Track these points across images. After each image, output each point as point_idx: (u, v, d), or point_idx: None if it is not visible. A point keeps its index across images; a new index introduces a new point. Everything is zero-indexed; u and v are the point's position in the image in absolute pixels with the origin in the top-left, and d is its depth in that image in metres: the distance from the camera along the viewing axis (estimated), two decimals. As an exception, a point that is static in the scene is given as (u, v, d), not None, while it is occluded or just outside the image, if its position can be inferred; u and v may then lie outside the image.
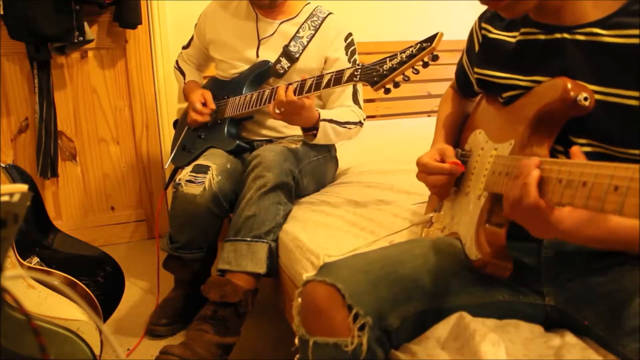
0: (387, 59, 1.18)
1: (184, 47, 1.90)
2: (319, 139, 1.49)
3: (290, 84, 1.38)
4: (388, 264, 0.81)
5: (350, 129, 1.56)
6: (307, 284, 0.80)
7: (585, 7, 0.76)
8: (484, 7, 0.86)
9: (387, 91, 1.20)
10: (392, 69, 1.17)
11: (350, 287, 0.75)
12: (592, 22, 0.76)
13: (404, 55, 1.15)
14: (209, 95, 1.71)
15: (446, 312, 0.80)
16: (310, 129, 1.49)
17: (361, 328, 0.73)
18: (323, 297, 0.76)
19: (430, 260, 0.83)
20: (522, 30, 0.86)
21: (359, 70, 1.25)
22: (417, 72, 1.15)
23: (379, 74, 1.19)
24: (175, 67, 1.92)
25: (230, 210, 1.54)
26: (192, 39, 1.86)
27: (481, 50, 0.96)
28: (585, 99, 0.72)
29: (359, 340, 0.73)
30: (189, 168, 1.51)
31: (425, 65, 1.13)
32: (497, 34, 0.92)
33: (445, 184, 0.92)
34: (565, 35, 0.78)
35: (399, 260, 0.82)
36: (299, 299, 0.82)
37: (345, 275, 0.77)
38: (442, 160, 0.93)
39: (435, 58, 1.12)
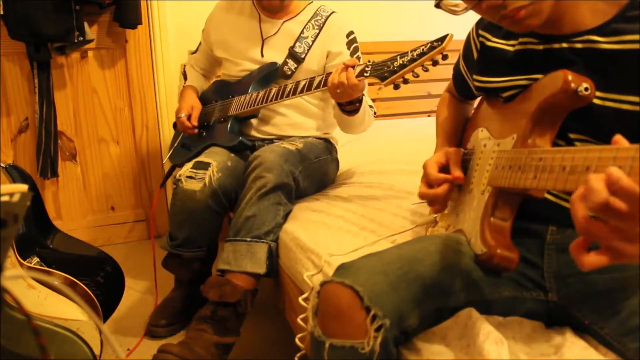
0: (398, 57, 1.20)
1: (192, 53, 1.92)
2: (359, 116, 1.44)
3: (352, 67, 1.29)
4: (406, 263, 0.80)
5: (372, 113, 1.56)
6: (325, 285, 0.80)
7: (583, 15, 0.77)
8: None
9: (397, 87, 1.22)
10: (403, 66, 1.18)
11: (370, 289, 0.75)
12: (589, 30, 0.76)
13: (414, 54, 1.17)
14: (196, 112, 1.72)
15: (459, 309, 0.80)
16: (348, 104, 1.41)
17: (378, 329, 0.73)
18: (342, 300, 0.76)
19: (445, 257, 0.83)
20: (521, 39, 0.86)
21: (370, 66, 1.25)
22: (427, 70, 1.18)
23: (390, 70, 1.20)
24: (181, 71, 1.94)
25: (230, 208, 1.54)
26: (199, 44, 1.88)
27: (480, 58, 0.96)
28: (586, 89, 0.72)
29: (374, 342, 0.73)
30: (189, 164, 1.51)
31: (435, 63, 1.16)
32: (495, 42, 0.92)
33: (441, 200, 0.92)
34: (564, 45, 0.79)
35: (416, 259, 0.82)
36: (316, 300, 0.81)
37: (364, 277, 0.77)
38: (447, 164, 0.93)
39: (445, 57, 1.14)
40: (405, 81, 1.20)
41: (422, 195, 0.94)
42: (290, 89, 1.47)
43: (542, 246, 0.83)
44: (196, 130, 1.69)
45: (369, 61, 1.28)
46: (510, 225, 0.80)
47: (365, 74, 1.25)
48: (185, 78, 1.89)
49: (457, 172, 0.90)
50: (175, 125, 1.94)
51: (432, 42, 1.15)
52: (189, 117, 1.69)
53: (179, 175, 1.49)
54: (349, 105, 1.40)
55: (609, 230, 0.53)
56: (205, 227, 1.53)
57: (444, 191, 0.90)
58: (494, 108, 0.93)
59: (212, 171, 1.47)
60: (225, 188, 1.49)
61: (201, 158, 1.53)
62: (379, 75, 1.22)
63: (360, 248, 1.13)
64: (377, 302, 0.74)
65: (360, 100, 1.40)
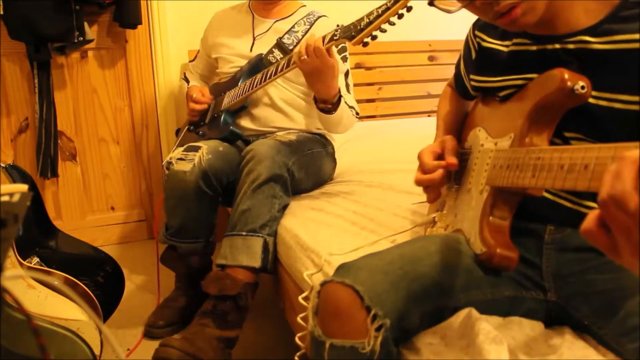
0: (365, 16, 1.25)
1: (191, 61, 1.99)
2: (335, 116, 1.47)
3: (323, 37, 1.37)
4: (407, 262, 0.80)
5: (353, 114, 1.58)
6: (325, 285, 0.80)
7: (577, 16, 0.78)
8: None
9: (365, 44, 1.28)
10: (369, 23, 1.23)
11: (370, 289, 0.75)
12: (581, 31, 0.77)
13: (379, 10, 1.22)
14: (206, 90, 1.81)
15: (459, 309, 0.80)
16: (327, 102, 1.46)
17: (378, 329, 0.73)
18: (343, 299, 0.76)
19: (445, 257, 0.83)
20: (515, 40, 0.87)
21: (339, 30, 1.31)
22: (393, 24, 1.22)
23: (357, 30, 1.26)
24: (182, 78, 2.00)
25: (225, 200, 1.55)
26: (198, 51, 1.95)
27: (477, 58, 0.97)
28: (583, 87, 0.73)
29: (375, 342, 0.73)
30: (181, 148, 1.54)
31: (400, 16, 1.19)
32: (490, 43, 0.93)
33: (436, 184, 0.92)
34: (556, 46, 0.80)
35: (416, 258, 0.82)
36: (316, 299, 0.81)
37: (364, 276, 0.77)
38: (442, 154, 0.94)
39: (409, 9, 1.17)
40: (374, 37, 1.26)
41: (417, 181, 0.94)
42: (272, 70, 1.50)
43: (541, 246, 0.83)
44: (208, 101, 1.77)
45: (338, 25, 1.33)
46: (509, 225, 0.80)
47: (335, 38, 1.31)
48: (186, 81, 1.95)
49: (450, 159, 0.91)
50: (177, 132, 1.97)
51: None
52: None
53: (170, 158, 1.52)
54: (322, 104, 1.46)
55: (620, 233, 0.45)
56: (198, 213, 1.54)
57: (438, 176, 0.91)
58: (490, 107, 0.93)
59: (202, 152, 1.49)
60: (216, 170, 1.50)
61: (193, 143, 1.57)
62: (347, 36, 1.28)
63: (360, 248, 1.13)
64: (378, 302, 0.74)
65: (334, 104, 1.45)
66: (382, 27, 1.22)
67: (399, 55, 2.61)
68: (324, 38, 1.34)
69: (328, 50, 1.33)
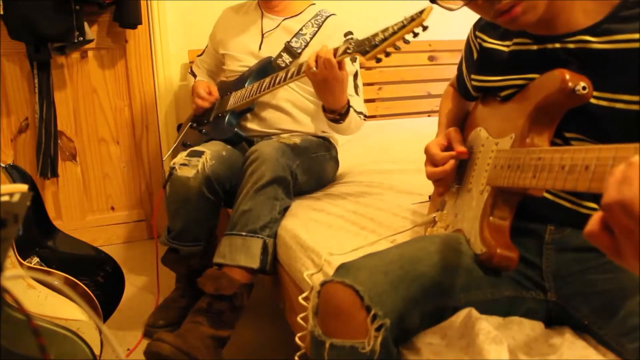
0: (380, 32, 1.23)
1: (199, 55, 1.99)
2: (344, 124, 1.47)
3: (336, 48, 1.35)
4: (407, 262, 0.80)
5: (361, 118, 1.57)
6: (325, 285, 0.80)
7: (577, 15, 0.78)
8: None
9: (378, 60, 1.26)
10: (384, 40, 1.21)
11: (370, 289, 0.75)
12: (582, 30, 0.77)
13: (395, 27, 1.20)
14: (214, 86, 1.80)
15: (459, 309, 0.80)
16: (335, 113, 1.46)
17: (378, 329, 0.73)
18: (342, 299, 0.76)
19: (445, 257, 0.83)
20: (515, 40, 0.87)
21: (352, 43, 1.29)
22: (408, 42, 1.20)
23: (371, 45, 1.24)
24: (189, 72, 2.00)
25: (225, 198, 1.55)
26: (206, 46, 1.95)
27: (479, 58, 0.97)
28: (584, 88, 0.73)
29: (375, 342, 0.73)
30: (184, 153, 1.54)
31: (415, 35, 1.18)
32: (491, 43, 0.93)
33: (448, 176, 0.93)
34: (557, 45, 0.80)
35: (416, 258, 0.82)
36: (316, 299, 0.81)
37: (364, 276, 0.77)
38: (449, 146, 0.95)
39: (425, 29, 1.16)
40: (387, 54, 1.24)
41: (430, 174, 0.95)
42: (282, 76, 1.49)
43: (541, 246, 0.83)
44: (213, 100, 1.76)
45: (352, 38, 1.31)
46: (510, 225, 0.80)
47: (348, 51, 1.28)
48: (193, 75, 1.96)
49: (460, 148, 0.92)
50: (178, 127, 1.96)
51: (412, 14, 1.18)
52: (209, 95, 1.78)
53: (173, 163, 1.52)
54: (330, 114, 1.45)
55: (624, 236, 0.45)
56: (200, 216, 1.54)
57: (450, 167, 0.92)
58: (491, 108, 0.94)
59: (206, 158, 1.49)
60: (218, 175, 1.50)
61: (196, 147, 1.56)
62: (361, 50, 1.25)
63: (360, 248, 1.13)
64: (378, 302, 0.74)
65: (342, 114, 1.44)
66: (396, 44, 1.20)
67: (399, 55, 2.60)
68: (335, 50, 1.32)
69: (340, 63, 1.32)
